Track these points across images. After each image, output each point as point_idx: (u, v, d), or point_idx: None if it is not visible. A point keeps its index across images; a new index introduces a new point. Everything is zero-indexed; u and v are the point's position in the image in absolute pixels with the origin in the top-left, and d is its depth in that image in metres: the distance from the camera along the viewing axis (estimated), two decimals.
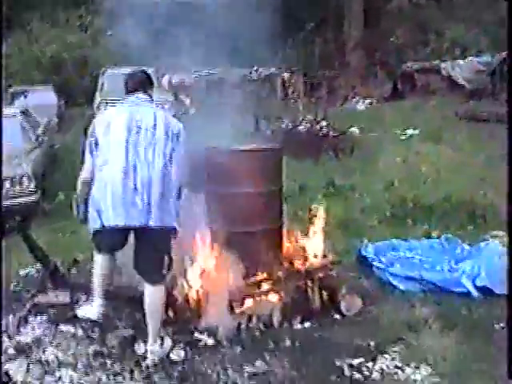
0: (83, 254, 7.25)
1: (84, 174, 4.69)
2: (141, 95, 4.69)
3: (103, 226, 4.50)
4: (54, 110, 17.19)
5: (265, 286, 5.41)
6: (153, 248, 4.58)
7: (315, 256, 5.68)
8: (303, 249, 5.73)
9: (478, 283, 5.73)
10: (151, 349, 4.67)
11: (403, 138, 14.52)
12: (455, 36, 21.22)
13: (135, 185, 4.40)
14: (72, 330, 5.12)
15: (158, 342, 4.70)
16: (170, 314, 5.25)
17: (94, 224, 4.59)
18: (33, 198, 8.71)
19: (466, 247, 6.59)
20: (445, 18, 22.18)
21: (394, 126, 15.59)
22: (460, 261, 6.21)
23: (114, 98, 16.18)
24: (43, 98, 17.81)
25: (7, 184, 8.55)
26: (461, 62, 19.42)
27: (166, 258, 4.64)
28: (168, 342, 4.78)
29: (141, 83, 4.77)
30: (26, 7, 22.85)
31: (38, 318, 5.46)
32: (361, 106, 20.85)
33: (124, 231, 4.57)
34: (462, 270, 5.87)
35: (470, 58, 19.42)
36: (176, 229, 4.61)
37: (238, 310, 5.21)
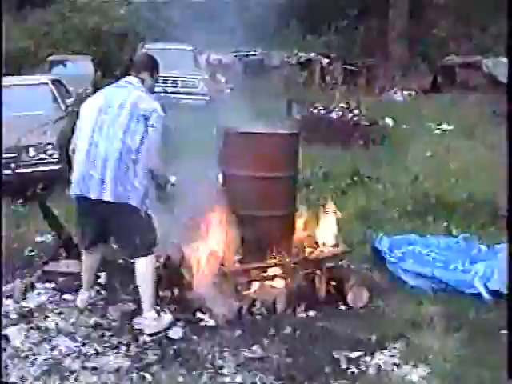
0: None
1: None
2: (130, 78, 4.90)
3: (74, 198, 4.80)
4: (90, 80, 17.17)
5: (272, 271, 5.36)
6: (118, 224, 4.73)
7: (326, 245, 5.59)
8: (315, 237, 5.64)
9: (490, 286, 5.58)
10: (142, 320, 4.73)
11: (437, 132, 14.32)
12: (499, 32, 20.77)
13: (94, 160, 4.57)
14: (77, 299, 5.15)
15: (154, 315, 4.72)
16: (175, 291, 5.26)
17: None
18: (56, 167, 8.72)
19: (483, 248, 6.43)
20: (490, 12, 21.74)
21: (429, 120, 15.42)
22: (475, 261, 6.06)
23: None
24: (81, 68, 17.86)
25: (32, 151, 8.60)
26: (503, 59, 19.02)
27: (140, 234, 4.70)
28: (168, 317, 4.78)
29: (135, 66, 5.00)
30: None
31: (46, 285, 5.51)
32: (399, 97, 20.63)
33: (93, 211, 4.74)
34: (474, 271, 5.72)
35: None
36: (136, 207, 4.63)
37: (242, 293, 5.19)
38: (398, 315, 5.13)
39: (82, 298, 5.10)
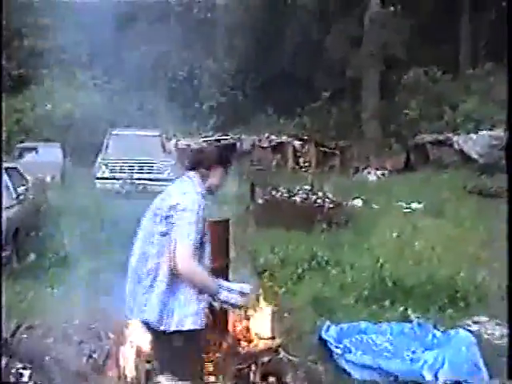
0: (38, 319, 6.98)
1: None
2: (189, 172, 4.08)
3: None
4: (58, 167, 17.12)
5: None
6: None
7: (262, 337, 5.26)
8: (249, 329, 5.32)
9: (441, 376, 5.26)
10: None
11: (407, 210, 14.16)
12: (469, 109, 21.00)
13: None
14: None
15: None
16: None
17: None
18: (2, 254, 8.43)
19: (438, 334, 6.12)
20: (459, 91, 22.05)
21: (399, 199, 15.31)
22: (429, 348, 5.76)
23: (116, 158, 16.13)
24: (50, 155, 17.84)
25: None
26: (474, 135, 19.15)
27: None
28: None
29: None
30: (41, 66, 23.19)
31: None
32: (372, 177, 20.60)
33: None
34: (423, 361, 5.39)
35: (483, 132, 19.16)
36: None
37: None
38: None
39: None
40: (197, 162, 4.06)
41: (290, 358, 5.42)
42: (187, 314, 3.79)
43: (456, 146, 19.32)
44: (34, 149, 18.48)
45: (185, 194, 3.85)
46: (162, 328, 3.79)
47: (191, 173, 4.01)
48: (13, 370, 5.42)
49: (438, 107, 22.30)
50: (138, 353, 4.94)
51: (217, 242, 5.10)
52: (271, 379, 5.12)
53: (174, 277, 3.76)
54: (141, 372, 4.84)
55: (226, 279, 4.88)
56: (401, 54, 23.73)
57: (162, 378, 4.00)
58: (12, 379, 5.27)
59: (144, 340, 5.04)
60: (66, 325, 6.88)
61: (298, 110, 25.17)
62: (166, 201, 3.88)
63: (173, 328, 3.78)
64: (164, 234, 3.82)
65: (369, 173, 20.92)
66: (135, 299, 3.91)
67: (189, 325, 3.78)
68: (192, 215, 3.76)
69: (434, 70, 23.34)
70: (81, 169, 18.99)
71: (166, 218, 3.81)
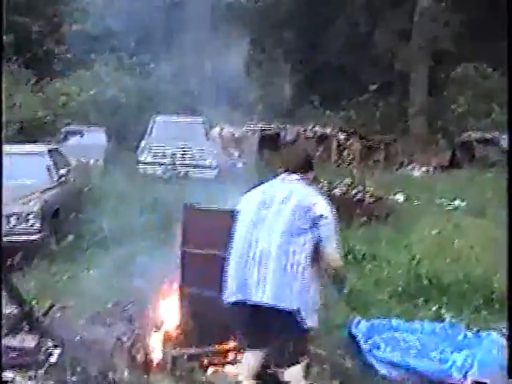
0: (72, 300, 7.08)
1: None
2: (290, 174, 4.52)
3: (231, 304, 4.31)
4: (101, 150, 17.29)
5: (231, 356, 5.04)
6: (272, 328, 4.26)
7: None
8: None
9: (470, 378, 5.17)
10: None
11: (448, 208, 13.96)
12: None
13: (253, 259, 4.19)
14: (17, 378, 4.85)
15: None
16: (125, 373, 4.94)
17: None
18: (37, 236, 8.56)
19: (470, 335, 6.02)
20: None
21: (442, 196, 15.09)
22: (459, 349, 5.67)
23: (159, 144, 16.25)
24: (94, 138, 18.05)
25: (13, 220, 8.45)
26: None
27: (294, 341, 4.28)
28: None
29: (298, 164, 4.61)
30: (89, 51, 23.43)
31: None
32: (416, 173, 20.38)
33: (252, 315, 4.27)
34: (452, 361, 5.32)
35: None
36: (293, 312, 4.14)
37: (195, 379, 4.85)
38: None
39: None
40: (308, 164, 4.63)
41: (318, 351, 5.41)
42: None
43: (503, 145, 18.96)
44: (79, 132, 18.71)
45: (326, 208, 4.33)
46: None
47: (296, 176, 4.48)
48: (43, 349, 5.49)
49: (487, 104, 21.94)
50: (166, 338, 4.98)
51: None
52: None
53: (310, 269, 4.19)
54: (168, 357, 4.87)
55: None
56: (450, 49, 23.35)
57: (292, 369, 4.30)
58: (42, 358, 5.33)
59: (173, 325, 5.11)
60: (99, 307, 6.98)
61: (343, 102, 24.99)
62: (310, 198, 4.32)
63: (310, 322, 4.23)
64: (305, 231, 4.19)
65: (413, 168, 20.71)
66: (249, 282, 4.16)
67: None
68: (334, 224, 4.36)
69: (484, 65, 22.96)
70: (124, 153, 19.19)
71: (313, 220, 4.19)
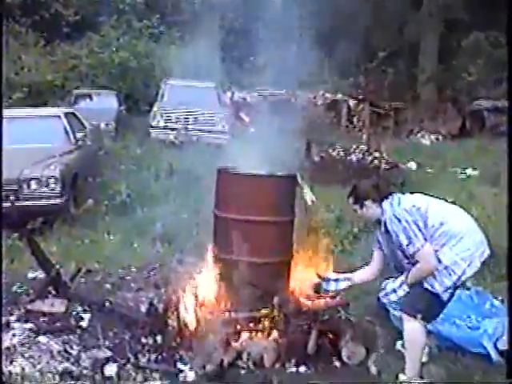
0: (96, 264, 7.09)
1: None
2: None
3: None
4: (113, 114, 17.16)
5: (263, 323, 5.02)
6: None
7: (323, 295, 5.22)
8: (312, 287, 5.28)
9: (500, 346, 5.17)
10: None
11: (461, 177, 13.89)
12: None
13: None
14: (51, 342, 4.83)
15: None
16: (158, 339, 4.94)
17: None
18: (57, 201, 8.51)
19: (497, 303, 6.00)
20: None
21: (454, 164, 15.01)
22: (487, 317, 5.65)
23: (171, 108, 16.13)
24: (105, 102, 17.89)
25: (34, 184, 8.39)
26: None
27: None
28: None
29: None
30: (98, 14, 23.19)
31: (24, 324, 5.22)
32: (426, 141, 20.24)
33: None
34: (483, 329, 5.31)
35: None
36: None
37: (229, 344, 4.85)
38: (397, 373, 4.72)
39: None
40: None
41: (349, 317, 5.40)
42: None
43: None
44: (89, 95, 18.55)
45: None
46: None
47: None
48: (73, 313, 5.49)
49: (498, 73, 21.68)
50: (201, 303, 4.96)
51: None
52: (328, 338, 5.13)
53: None
54: (202, 322, 4.85)
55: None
56: (462, 17, 23.05)
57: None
58: (73, 322, 5.33)
59: (205, 291, 5.09)
60: (123, 271, 6.98)
61: (353, 69, 24.73)
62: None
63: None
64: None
65: (422, 136, 20.55)
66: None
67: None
68: None
69: (496, 35, 22.66)
70: (135, 118, 19.09)
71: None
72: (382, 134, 20.11)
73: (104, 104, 17.65)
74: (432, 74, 23.52)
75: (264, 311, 4.99)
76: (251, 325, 4.99)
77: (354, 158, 12.22)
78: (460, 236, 4.49)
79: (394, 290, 4.71)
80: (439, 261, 4.43)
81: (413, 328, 4.55)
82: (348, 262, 7.29)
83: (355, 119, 21.71)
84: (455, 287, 4.58)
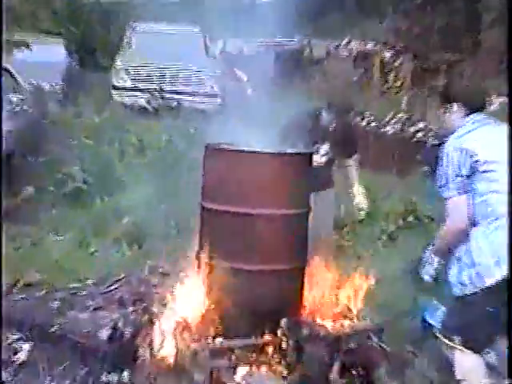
0: (39, 274, 7.16)
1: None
2: None
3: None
4: (60, 70, 17.23)
5: (268, 352, 5.09)
6: None
7: (348, 316, 5.30)
8: (334, 304, 5.37)
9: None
10: None
11: None
12: None
13: None
14: None
15: None
16: (125, 375, 5.03)
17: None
18: None
19: None
20: None
21: None
22: None
23: (142, 63, 16.18)
24: (47, 52, 17.88)
25: None
26: None
27: None
28: None
29: None
30: None
31: None
32: (492, 106, 20.27)
33: None
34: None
35: None
36: None
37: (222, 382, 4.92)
38: None
39: None
40: None
41: (382, 345, 5.47)
42: None
43: None
44: (27, 44, 18.53)
45: None
46: None
47: None
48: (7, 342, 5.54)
49: None
50: (182, 326, 5.01)
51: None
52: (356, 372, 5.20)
53: None
54: (185, 353, 4.91)
55: None
56: None
57: None
58: (6, 355, 5.38)
59: (187, 310, 5.15)
60: (76, 284, 7.04)
61: (389, 7, 24.79)
62: None
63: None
64: None
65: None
66: None
67: None
68: None
69: None
70: (91, 74, 19.14)
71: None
72: (430, 96, 20.18)
73: (47, 56, 17.64)
74: (500, 14, 23.57)
75: (268, 337, 5.04)
76: (251, 355, 5.04)
77: (389, 129, 12.30)
78: None
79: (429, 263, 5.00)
80: None
81: (462, 360, 4.61)
82: (381, 269, 7.40)
83: (392, 77, 21.80)
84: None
